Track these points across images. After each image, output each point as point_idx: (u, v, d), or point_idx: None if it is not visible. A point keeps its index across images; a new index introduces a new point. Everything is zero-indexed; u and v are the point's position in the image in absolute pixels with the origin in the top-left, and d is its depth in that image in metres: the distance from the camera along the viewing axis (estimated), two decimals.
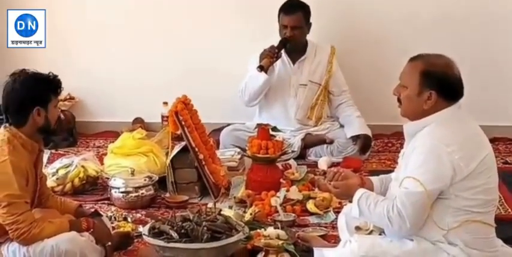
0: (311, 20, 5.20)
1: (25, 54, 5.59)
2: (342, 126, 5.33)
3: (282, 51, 5.16)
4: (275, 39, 5.14)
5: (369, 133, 5.22)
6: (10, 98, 3.26)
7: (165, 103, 5.44)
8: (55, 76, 3.31)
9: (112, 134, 5.66)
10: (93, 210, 3.75)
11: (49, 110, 3.29)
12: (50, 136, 3.43)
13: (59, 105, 3.57)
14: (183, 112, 4.39)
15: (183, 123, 4.37)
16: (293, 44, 5.14)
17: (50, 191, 3.69)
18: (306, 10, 5.15)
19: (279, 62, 5.19)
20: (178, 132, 4.44)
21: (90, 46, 5.85)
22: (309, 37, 5.27)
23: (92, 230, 3.40)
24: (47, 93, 3.29)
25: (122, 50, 5.86)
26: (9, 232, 3.18)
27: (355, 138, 5.16)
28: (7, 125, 3.29)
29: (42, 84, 3.27)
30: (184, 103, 4.48)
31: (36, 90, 3.26)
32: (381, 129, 5.58)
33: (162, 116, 5.57)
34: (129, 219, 4.06)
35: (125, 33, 5.83)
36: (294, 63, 5.26)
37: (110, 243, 3.50)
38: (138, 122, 5.79)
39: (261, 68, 4.98)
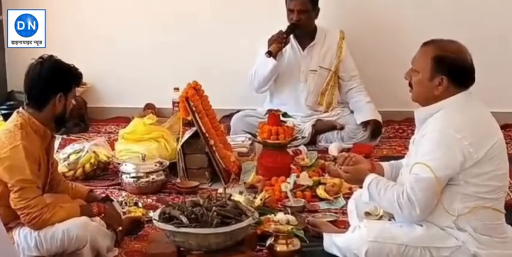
0: (321, 6, 5.18)
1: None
2: (352, 112, 5.33)
3: (291, 37, 5.15)
4: (284, 24, 5.13)
5: (379, 118, 5.21)
6: (36, 80, 3.27)
7: (176, 89, 5.45)
8: (77, 68, 3.35)
9: (123, 120, 5.68)
10: (104, 195, 3.77)
11: (68, 99, 3.32)
12: (60, 125, 3.44)
13: None
14: (193, 98, 4.39)
15: (193, 109, 4.37)
16: (301, 28, 5.12)
17: (61, 177, 3.71)
18: None
19: (288, 48, 5.18)
20: (189, 118, 4.44)
21: (102, 32, 5.86)
22: (318, 23, 5.24)
23: (103, 215, 3.42)
24: (71, 82, 3.33)
25: (133, 36, 5.86)
26: (21, 216, 3.20)
27: (365, 124, 5.15)
28: (20, 110, 3.30)
29: (68, 72, 3.32)
30: (195, 89, 4.48)
31: (64, 76, 3.29)
32: (392, 115, 5.58)
33: (173, 102, 5.57)
34: (139, 204, 4.07)
35: (136, 20, 5.83)
36: (303, 49, 5.25)
37: (120, 228, 3.51)
38: (149, 107, 5.80)
39: (270, 54, 4.96)
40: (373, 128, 5.14)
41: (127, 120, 5.43)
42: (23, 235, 3.25)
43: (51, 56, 3.32)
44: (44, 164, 3.32)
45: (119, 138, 4.86)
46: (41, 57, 3.31)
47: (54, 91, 3.26)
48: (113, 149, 4.81)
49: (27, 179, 3.17)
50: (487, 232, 3.04)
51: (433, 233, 3.04)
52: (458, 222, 3.03)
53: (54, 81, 3.26)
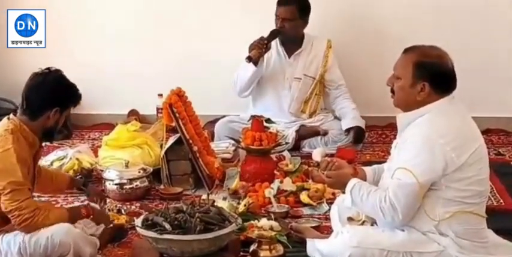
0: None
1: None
2: (335, 118, 5.35)
3: (278, 43, 5.17)
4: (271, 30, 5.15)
5: (362, 124, 5.24)
6: (36, 89, 3.30)
7: (160, 95, 5.44)
8: (78, 89, 3.41)
9: (107, 127, 5.67)
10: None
11: (62, 116, 3.37)
12: (47, 138, 3.47)
13: None
14: (177, 104, 4.39)
15: (177, 115, 4.37)
16: (283, 35, 5.13)
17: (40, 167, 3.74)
18: (301, 4, 5.13)
19: (274, 54, 5.19)
20: (173, 124, 4.44)
21: (85, 39, 5.86)
22: (306, 30, 5.25)
23: (91, 216, 3.44)
24: (70, 101, 3.37)
25: (117, 42, 5.86)
26: (12, 218, 3.20)
27: (348, 130, 5.18)
28: (11, 117, 3.33)
29: (70, 89, 3.37)
30: (179, 95, 4.48)
31: (65, 92, 3.34)
32: (375, 120, 5.60)
33: (157, 108, 5.55)
34: (123, 211, 4.05)
35: (120, 27, 5.83)
36: (289, 56, 5.26)
37: (111, 225, 3.56)
38: (133, 114, 5.79)
39: (250, 59, 4.97)
40: (356, 134, 5.17)
41: (111, 127, 5.42)
42: (6, 241, 3.25)
43: (58, 70, 3.36)
44: (31, 171, 3.33)
45: (103, 145, 4.85)
46: (47, 69, 3.34)
47: (52, 104, 3.29)
48: (97, 156, 4.79)
49: (19, 181, 3.19)
50: (468, 236, 3.05)
51: (415, 238, 3.05)
52: (440, 227, 3.04)
53: (55, 94, 3.29)
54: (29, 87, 3.31)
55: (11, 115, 3.34)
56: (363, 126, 5.25)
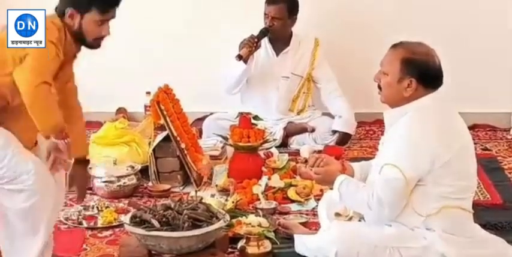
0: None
1: None
2: (323, 114, 5.36)
3: (266, 42, 5.18)
4: (258, 27, 5.15)
5: (352, 127, 5.27)
6: None
7: (148, 93, 5.42)
8: None
9: (95, 124, 5.64)
10: None
11: (85, 19, 3.29)
12: (86, 46, 3.41)
13: None
14: (164, 102, 4.39)
15: (164, 112, 4.37)
16: (273, 34, 5.15)
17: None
18: (290, 3, 5.14)
19: (262, 52, 5.20)
20: (161, 121, 4.44)
21: None
22: (295, 28, 5.27)
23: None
24: (89, 2, 3.27)
25: (104, 40, 5.83)
26: None
27: (334, 132, 5.20)
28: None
29: None
30: (166, 93, 4.48)
31: None
32: (362, 116, 5.61)
33: (145, 106, 5.54)
34: (111, 208, 4.05)
35: (112, 26, 5.81)
36: (277, 54, 5.27)
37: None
38: (121, 112, 5.78)
39: (240, 58, 4.98)
40: (340, 139, 5.19)
41: (99, 124, 5.41)
42: None
43: None
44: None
45: (90, 142, 4.83)
46: None
47: (67, 3, 3.27)
48: None
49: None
50: (455, 231, 3.06)
51: (402, 234, 3.07)
52: (427, 222, 3.05)
53: None
54: None
55: None
56: (352, 132, 5.27)
